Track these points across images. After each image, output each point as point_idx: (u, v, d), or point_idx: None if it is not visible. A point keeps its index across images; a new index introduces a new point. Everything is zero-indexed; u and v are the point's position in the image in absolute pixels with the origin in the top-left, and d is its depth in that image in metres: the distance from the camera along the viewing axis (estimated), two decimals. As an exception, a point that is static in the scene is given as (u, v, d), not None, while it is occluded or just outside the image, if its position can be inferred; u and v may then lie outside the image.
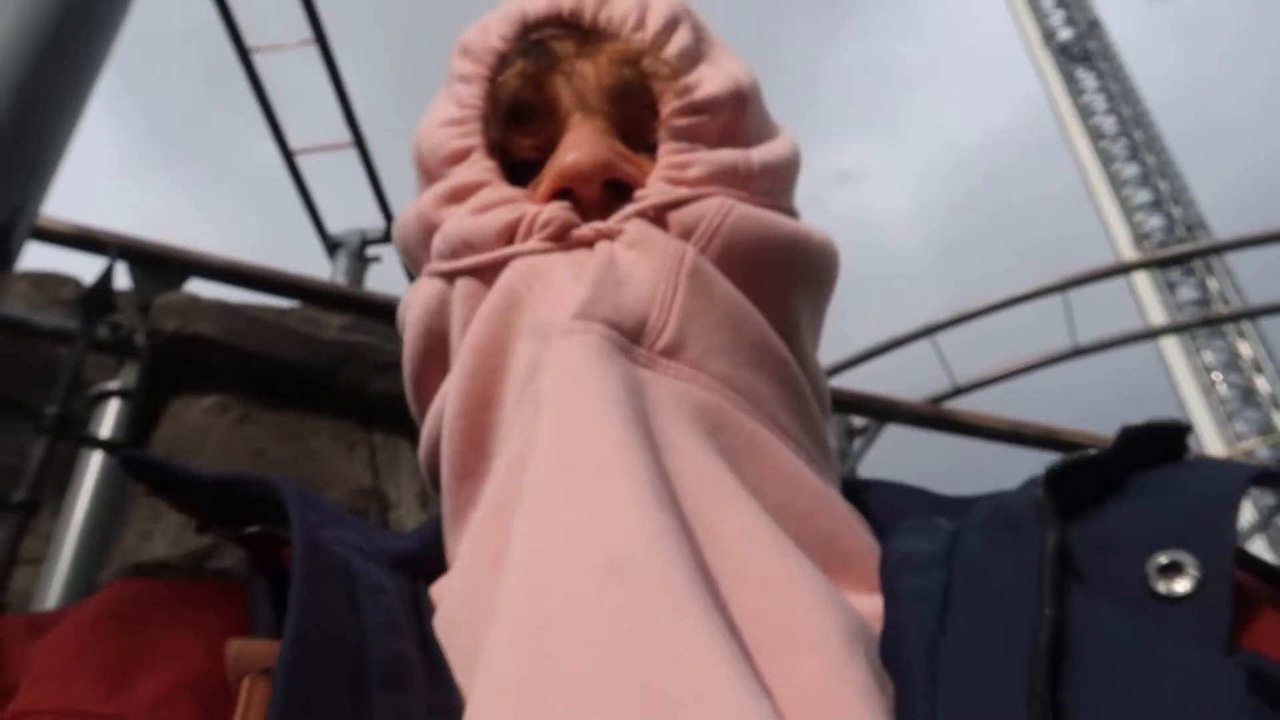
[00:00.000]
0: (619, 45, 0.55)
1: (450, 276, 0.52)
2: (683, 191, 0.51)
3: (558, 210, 0.51)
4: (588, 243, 0.50)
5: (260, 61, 4.35)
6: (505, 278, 0.49)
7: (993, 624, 0.37)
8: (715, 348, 0.47)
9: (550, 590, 0.35)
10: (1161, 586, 0.38)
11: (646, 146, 0.55)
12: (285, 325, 2.41)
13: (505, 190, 0.53)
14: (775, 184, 0.56)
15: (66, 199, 2.14)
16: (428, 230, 0.55)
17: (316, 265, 4.83)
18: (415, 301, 0.54)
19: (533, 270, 0.49)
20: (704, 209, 0.51)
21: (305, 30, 4.40)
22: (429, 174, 0.57)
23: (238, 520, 0.45)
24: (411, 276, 0.59)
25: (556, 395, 0.41)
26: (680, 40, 0.55)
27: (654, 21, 0.55)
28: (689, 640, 0.32)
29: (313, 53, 4.43)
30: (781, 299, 0.51)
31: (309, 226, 4.78)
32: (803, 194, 0.59)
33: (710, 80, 0.55)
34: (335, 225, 4.87)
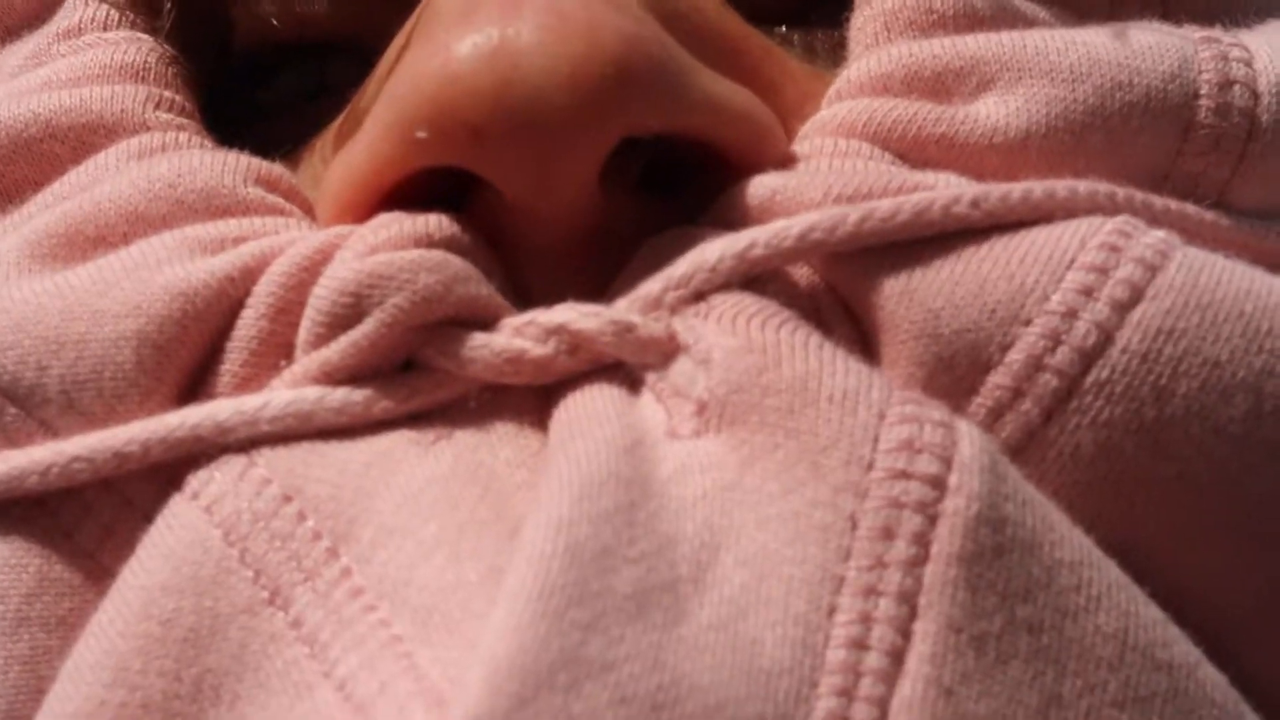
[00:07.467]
0: None
1: None
2: (957, 194, 0.20)
3: (412, 255, 0.20)
4: (535, 382, 0.20)
5: None
6: (186, 533, 0.19)
7: None
8: None
9: None
10: None
11: (790, 9, 0.25)
12: None
13: (200, 159, 0.23)
14: None
15: None
16: None
17: None
18: None
19: (297, 495, 0.19)
20: (1040, 265, 0.19)
21: None
22: None
23: None
24: None
25: None
26: None
27: None
28: None
29: None
30: None
31: None
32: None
33: None
34: None
